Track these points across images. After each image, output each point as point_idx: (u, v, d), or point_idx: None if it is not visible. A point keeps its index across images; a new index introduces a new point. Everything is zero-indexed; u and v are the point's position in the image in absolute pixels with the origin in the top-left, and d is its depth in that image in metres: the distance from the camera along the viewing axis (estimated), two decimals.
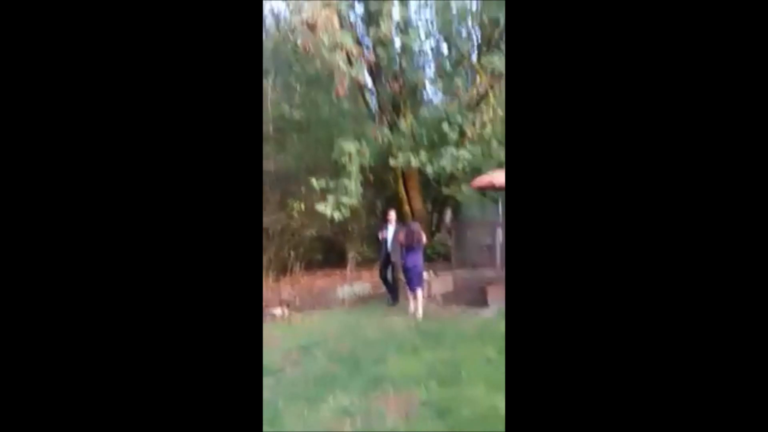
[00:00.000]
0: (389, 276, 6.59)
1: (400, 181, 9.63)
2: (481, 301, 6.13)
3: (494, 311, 5.74)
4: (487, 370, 3.61)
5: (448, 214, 10.16)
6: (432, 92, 9.66)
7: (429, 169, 7.18)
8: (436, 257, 10.25)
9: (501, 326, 5.01)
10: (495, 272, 8.01)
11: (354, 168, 6.55)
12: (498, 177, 9.20)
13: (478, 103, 8.47)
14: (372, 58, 6.55)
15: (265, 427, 1.59)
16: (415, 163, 6.85)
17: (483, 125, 7.63)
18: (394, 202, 10.04)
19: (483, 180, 9.42)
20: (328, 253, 10.07)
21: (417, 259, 5.96)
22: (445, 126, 7.12)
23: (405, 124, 7.05)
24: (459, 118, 7.28)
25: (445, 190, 9.50)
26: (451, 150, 7.00)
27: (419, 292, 5.85)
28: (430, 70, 9.29)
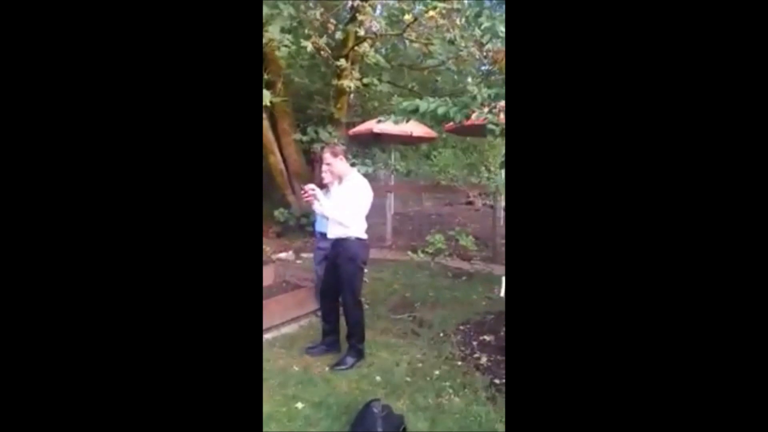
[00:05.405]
0: None
1: (265, 123, 7.19)
2: None
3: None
4: None
5: None
6: None
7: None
8: (312, 228, 8.01)
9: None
10: (382, 253, 6.51)
11: None
12: (379, 125, 7.04)
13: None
14: None
15: None
16: None
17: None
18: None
19: (360, 128, 7.29)
20: None
21: None
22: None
23: None
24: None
25: (299, 136, 7.15)
26: None
27: None
28: None
